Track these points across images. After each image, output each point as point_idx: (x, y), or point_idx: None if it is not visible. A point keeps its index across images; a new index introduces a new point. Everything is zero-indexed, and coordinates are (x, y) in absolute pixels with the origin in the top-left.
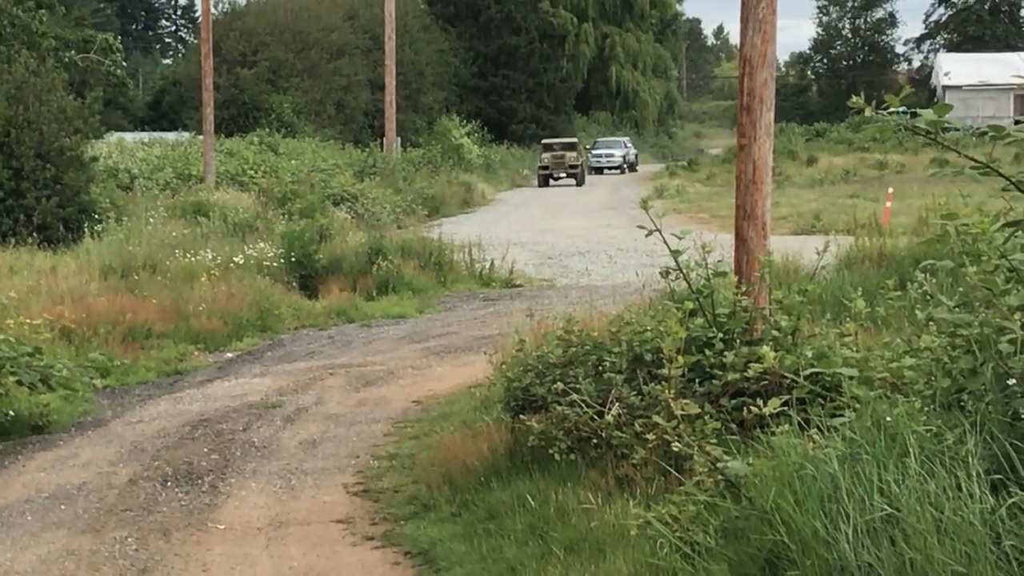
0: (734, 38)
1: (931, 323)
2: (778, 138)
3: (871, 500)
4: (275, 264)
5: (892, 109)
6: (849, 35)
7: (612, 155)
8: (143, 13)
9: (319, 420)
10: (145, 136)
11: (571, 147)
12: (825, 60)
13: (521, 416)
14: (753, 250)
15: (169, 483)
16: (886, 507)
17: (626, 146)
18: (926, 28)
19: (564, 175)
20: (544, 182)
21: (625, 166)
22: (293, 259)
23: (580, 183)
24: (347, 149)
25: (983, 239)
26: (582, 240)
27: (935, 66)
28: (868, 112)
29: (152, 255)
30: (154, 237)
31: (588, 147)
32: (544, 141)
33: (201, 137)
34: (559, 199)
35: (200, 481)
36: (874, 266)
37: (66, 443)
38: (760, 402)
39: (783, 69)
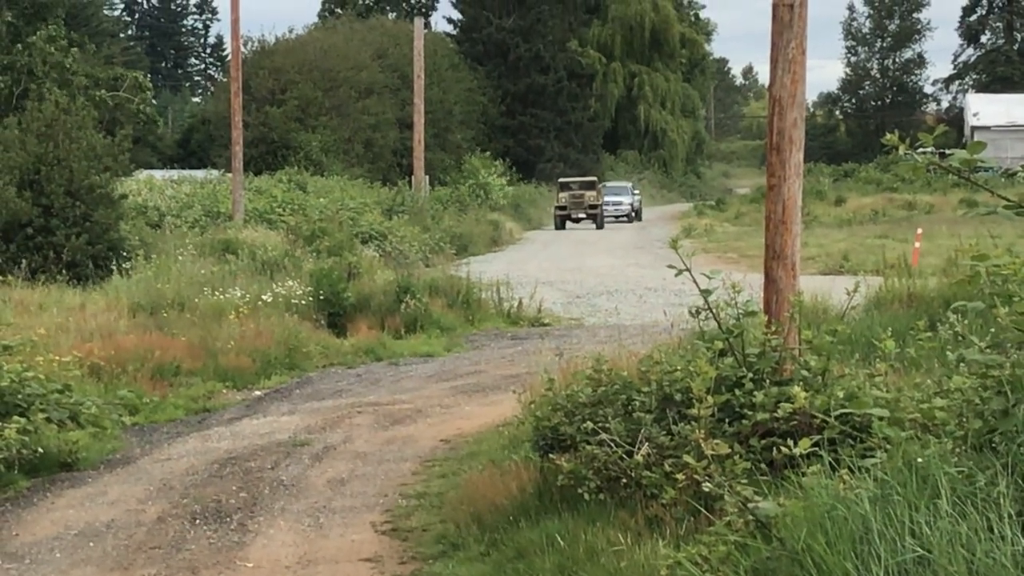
0: (762, 78)
1: (962, 364)
2: (806, 178)
3: (902, 541)
4: (303, 302)
5: (924, 147)
6: (878, 75)
7: (620, 203)
8: (172, 51)
9: (347, 458)
10: (174, 174)
11: (590, 186)
12: (853, 100)
13: (550, 455)
14: (783, 290)
15: (197, 521)
16: (918, 549)
17: (633, 192)
18: (955, 69)
19: (583, 216)
20: (561, 224)
21: (632, 214)
22: (321, 297)
23: (600, 226)
24: (375, 187)
25: (1014, 280)
26: (610, 279)
27: (964, 107)
28: (902, 150)
29: (181, 292)
30: (183, 274)
31: None
32: (561, 180)
33: (230, 175)
34: (586, 238)
35: (228, 519)
36: (903, 307)
37: (95, 480)
38: (790, 442)
39: (811, 109)
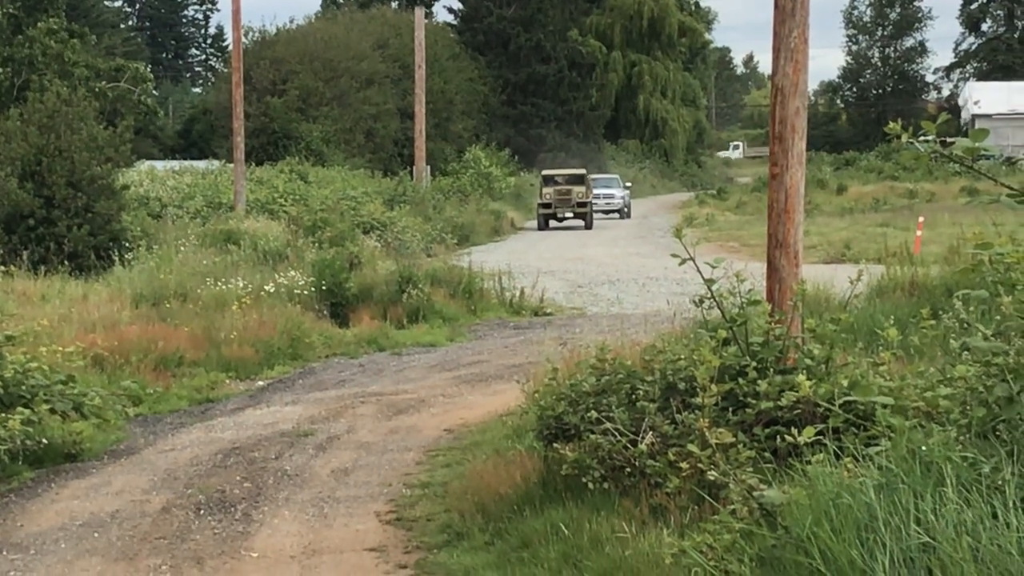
0: (763, 67)
1: (966, 352)
2: (807, 167)
3: (907, 529)
4: (306, 292)
5: (927, 136)
6: (879, 64)
7: (611, 196)
8: (173, 42)
9: (351, 448)
10: (175, 164)
11: (578, 180)
12: (855, 89)
13: (554, 444)
14: (785, 279)
15: (202, 511)
16: (923, 536)
17: (623, 186)
18: (956, 57)
19: (571, 215)
20: (544, 223)
21: (625, 208)
22: (324, 287)
23: (588, 226)
24: (377, 177)
25: (1017, 268)
26: (612, 268)
27: (965, 95)
28: (905, 138)
29: (183, 283)
30: (185, 265)
31: None
32: (544, 172)
33: (231, 165)
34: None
35: (233, 509)
36: (906, 295)
37: (99, 471)
38: (794, 431)
39: (812, 98)
